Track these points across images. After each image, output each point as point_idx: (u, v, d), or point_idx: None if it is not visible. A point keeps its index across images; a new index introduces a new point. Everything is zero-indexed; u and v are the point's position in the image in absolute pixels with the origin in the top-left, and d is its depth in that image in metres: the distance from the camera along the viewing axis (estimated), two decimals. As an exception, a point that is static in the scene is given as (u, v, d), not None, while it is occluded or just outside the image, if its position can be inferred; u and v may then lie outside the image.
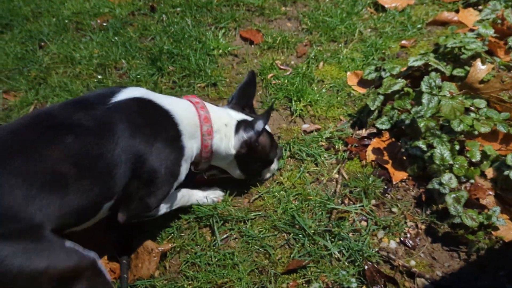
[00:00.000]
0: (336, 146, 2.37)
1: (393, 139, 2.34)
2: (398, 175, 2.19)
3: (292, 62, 2.89)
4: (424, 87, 2.04)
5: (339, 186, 2.17)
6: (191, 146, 1.86)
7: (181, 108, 1.85)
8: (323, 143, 2.39)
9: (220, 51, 2.96)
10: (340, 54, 2.88)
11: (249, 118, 2.06)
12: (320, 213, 2.05)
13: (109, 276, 1.52)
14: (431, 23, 3.03)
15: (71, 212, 1.46)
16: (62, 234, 1.48)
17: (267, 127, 2.15)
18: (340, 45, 2.96)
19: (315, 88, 2.67)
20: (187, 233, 2.06)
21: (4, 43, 3.10)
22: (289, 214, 2.05)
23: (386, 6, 3.17)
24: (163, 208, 1.89)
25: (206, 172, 2.17)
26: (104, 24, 3.25)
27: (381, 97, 2.37)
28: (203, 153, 1.94)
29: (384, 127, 2.32)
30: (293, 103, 2.59)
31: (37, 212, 1.35)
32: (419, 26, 3.00)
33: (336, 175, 2.24)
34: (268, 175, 2.23)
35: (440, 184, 1.95)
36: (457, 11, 3.06)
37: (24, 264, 1.21)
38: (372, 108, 2.36)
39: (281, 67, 2.85)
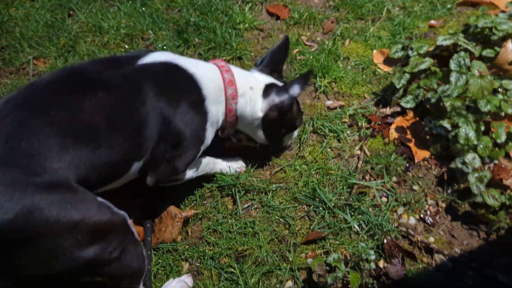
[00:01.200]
0: (359, 123, 2.38)
1: (417, 119, 2.34)
2: (421, 154, 2.19)
3: (318, 39, 2.88)
4: (453, 65, 2.03)
5: (360, 162, 2.19)
6: (216, 111, 1.87)
7: (205, 72, 1.85)
8: (346, 120, 2.40)
9: (246, 25, 2.96)
10: (367, 32, 2.85)
11: (278, 83, 2.05)
12: (341, 187, 2.07)
13: (138, 236, 1.57)
14: (461, 3, 2.97)
15: (102, 166, 1.49)
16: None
17: None
18: (367, 23, 2.94)
19: (340, 65, 2.67)
20: (210, 201, 2.11)
21: (35, 11, 3.15)
22: (310, 187, 2.08)
23: (416, -16, 3.11)
24: (190, 173, 1.93)
25: (233, 138, 2.20)
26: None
27: (407, 76, 2.36)
28: (228, 118, 1.94)
29: (409, 106, 2.31)
30: (318, 79, 2.59)
31: (71, 164, 1.38)
32: (449, 6, 2.95)
33: (358, 152, 2.25)
34: (289, 142, 2.26)
35: (463, 163, 1.95)
36: (489, -8, 2.99)
37: (60, 214, 1.25)
38: (397, 86, 2.35)
39: (307, 43, 2.85)
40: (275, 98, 1.97)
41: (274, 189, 2.11)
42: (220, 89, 1.88)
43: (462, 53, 2.06)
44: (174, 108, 1.69)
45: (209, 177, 2.14)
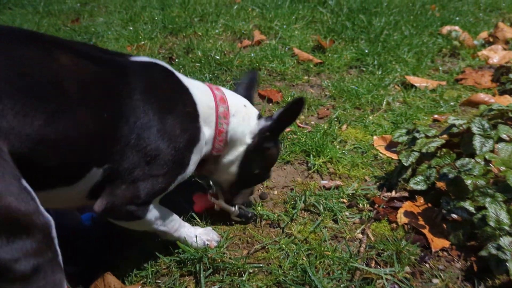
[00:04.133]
0: (360, 205, 1.97)
1: (429, 205, 1.95)
2: (438, 243, 1.75)
3: (313, 122, 2.62)
4: (475, 128, 1.72)
5: (363, 246, 1.73)
6: (205, 133, 1.54)
7: (197, 87, 1.57)
8: (345, 200, 1.99)
9: (235, 103, 2.72)
10: (366, 120, 2.61)
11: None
12: (339, 272, 1.58)
13: (59, 250, 1.05)
14: (465, 103, 2.81)
15: (54, 148, 1.08)
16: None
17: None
18: (365, 112, 2.71)
19: (337, 146, 2.36)
20: (165, 280, 1.58)
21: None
22: (298, 270, 1.58)
23: (416, 84, 2.99)
24: (152, 214, 1.45)
25: (213, 185, 1.85)
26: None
27: (416, 153, 2.03)
28: (216, 143, 1.60)
29: (419, 188, 1.93)
30: (311, 157, 2.25)
31: (8, 131, 0.99)
32: (452, 103, 2.78)
33: (360, 235, 1.80)
34: (242, 199, 1.86)
35: (498, 248, 1.51)
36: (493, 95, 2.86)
37: None
38: (405, 164, 2.01)
39: (300, 125, 2.58)
40: (262, 123, 1.69)
41: (251, 270, 1.61)
42: (210, 107, 1.57)
43: (483, 120, 1.76)
44: (163, 115, 1.35)
45: (167, 246, 1.65)
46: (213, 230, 1.74)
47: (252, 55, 3.29)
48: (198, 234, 1.67)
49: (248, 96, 1.85)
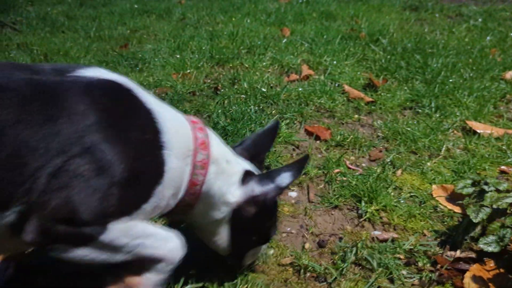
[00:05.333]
0: (420, 263, 1.72)
1: (502, 270, 1.68)
2: (516, 319, 1.47)
3: (364, 165, 2.41)
4: None
5: (425, 315, 1.48)
6: (178, 173, 1.28)
7: (171, 119, 1.31)
8: (402, 257, 1.75)
9: (281, 138, 2.55)
10: (423, 166, 2.37)
11: (257, 172, 1.51)
12: None
13: None
14: (537, 156, 2.52)
15: None
16: None
17: None
18: (422, 158, 2.48)
19: (392, 194, 2.12)
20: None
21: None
22: (349, 338, 1.35)
23: (479, 131, 2.73)
24: (117, 230, 1.15)
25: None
26: (163, 95, 3.01)
27: (487, 209, 1.78)
28: (188, 194, 1.34)
29: (491, 250, 1.67)
30: (363, 204, 2.03)
31: None
32: (521, 154, 2.50)
33: (420, 300, 1.55)
34: (251, 259, 1.61)
35: None
36: None
37: None
38: (475, 221, 1.75)
39: (350, 166, 2.37)
40: (255, 188, 1.41)
41: (293, 332, 1.39)
42: (187, 148, 1.31)
43: None
44: (108, 138, 1.11)
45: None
46: None
47: (300, 89, 3.14)
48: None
49: (262, 148, 1.63)
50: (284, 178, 1.39)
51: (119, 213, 1.14)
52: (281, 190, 1.42)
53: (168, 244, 1.28)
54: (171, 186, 1.26)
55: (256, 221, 1.46)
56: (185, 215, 1.44)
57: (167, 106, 1.36)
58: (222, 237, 1.49)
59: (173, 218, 1.47)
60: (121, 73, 3.22)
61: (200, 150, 1.33)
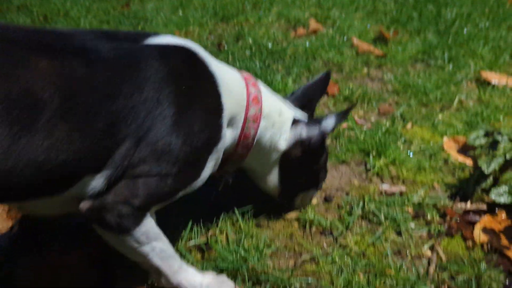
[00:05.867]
0: (429, 216, 1.68)
1: (514, 222, 1.63)
2: (527, 269, 1.44)
3: (372, 119, 2.34)
4: None
5: (433, 266, 1.45)
6: (230, 134, 1.33)
7: (228, 77, 1.33)
8: (410, 210, 1.71)
9: (287, 94, 2.48)
10: (434, 118, 2.30)
11: (306, 119, 1.54)
12: (405, 297, 1.31)
13: None
14: (553, 105, 2.42)
15: (28, 163, 0.93)
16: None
17: None
18: (433, 110, 2.39)
19: (401, 147, 2.06)
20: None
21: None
22: (354, 290, 1.33)
23: (493, 82, 2.62)
24: (145, 227, 1.16)
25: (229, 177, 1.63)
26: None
27: (500, 160, 1.71)
28: (240, 147, 1.39)
29: (503, 201, 1.63)
30: (371, 158, 1.98)
31: None
32: (538, 104, 2.40)
33: (428, 253, 1.52)
34: (302, 204, 1.68)
35: None
36: None
37: None
38: (486, 172, 1.69)
39: (358, 120, 2.30)
40: (302, 132, 1.47)
41: (298, 284, 1.37)
42: (240, 105, 1.34)
43: None
44: (179, 107, 1.14)
45: (197, 252, 1.45)
46: (228, 280, 1.35)
47: (307, 44, 3.03)
48: (206, 285, 1.30)
49: (312, 97, 1.64)
50: (329, 124, 1.47)
51: (170, 195, 1.19)
52: (325, 134, 1.48)
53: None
54: (220, 149, 1.30)
55: (303, 164, 1.53)
56: (236, 166, 1.50)
57: (224, 65, 1.41)
58: (272, 179, 1.56)
59: (225, 170, 1.49)
60: (122, 32, 3.13)
61: (253, 105, 1.38)
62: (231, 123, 1.32)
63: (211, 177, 1.34)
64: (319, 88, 1.65)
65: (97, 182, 1.06)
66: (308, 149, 1.49)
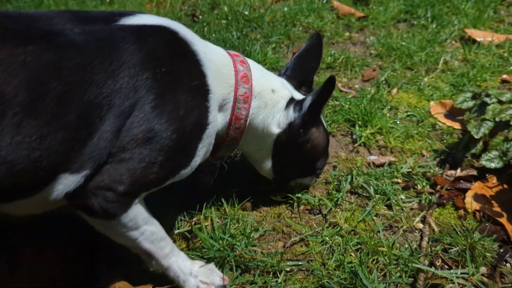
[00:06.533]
0: (419, 186, 1.64)
1: (505, 186, 1.59)
2: (521, 235, 1.41)
3: (357, 86, 2.26)
4: None
5: (425, 240, 1.41)
6: (219, 116, 1.26)
7: (213, 55, 1.25)
8: (399, 180, 1.66)
9: (267, 65, 2.37)
10: (420, 82, 2.22)
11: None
12: (398, 274, 1.27)
13: None
14: (539, 60, 2.36)
15: None
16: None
17: (324, 123, 1.51)
18: (418, 73, 2.32)
19: (388, 115, 2.00)
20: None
21: None
22: (346, 270, 1.28)
23: (478, 39, 2.55)
24: (133, 212, 1.10)
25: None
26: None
27: (489, 123, 1.66)
28: (232, 129, 1.31)
29: (494, 166, 1.58)
30: (357, 128, 1.91)
31: None
32: (524, 61, 2.34)
33: (420, 225, 1.48)
34: (299, 187, 1.60)
35: None
36: None
37: None
38: (476, 136, 1.64)
39: (343, 89, 2.22)
40: (291, 113, 1.38)
41: (289, 268, 1.33)
42: (229, 84, 1.27)
43: None
44: (161, 90, 1.06)
45: (183, 241, 1.39)
46: (217, 270, 1.29)
47: (285, 9, 2.91)
48: (195, 273, 1.25)
49: (308, 69, 1.54)
50: (306, 104, 1.36)
51: (161, 182, 1.13)
52: (304, 116, 1.37)
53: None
54: (211, 134, 1.22)
55: (290, 148, 1.43)
56: (232, 150, 1.45)
57: (208, 43, 1.33)
58: (267, 164, 1.48)
59: (221, 155, 1.44)
60: (89, 7, 2.97)
61: (242, 83, 1.30)
62: (221, 105, 1.25)
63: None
64: (313, 55, 1.54)
65: (75, 178, 0.98)
66: (291, 133, 1.39)
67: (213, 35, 2.57)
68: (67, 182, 0.98)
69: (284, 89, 1.41)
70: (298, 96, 1.44)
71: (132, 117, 1.02)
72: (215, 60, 1.25)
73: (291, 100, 1.40)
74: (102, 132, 0.98)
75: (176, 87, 1.10)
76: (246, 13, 2.85)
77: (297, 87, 1.50)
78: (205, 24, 2.75)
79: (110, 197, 1.03)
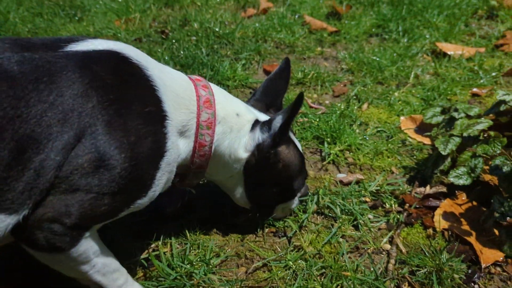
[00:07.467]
0: (387, 205, 1.59)
1: (474, 203, 1.56)
2: (489, 255, 1.37)
3: (327, 102, 2.22)
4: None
5: (392, 262, 1.35)
6: (181, 143, 1.19)
7: (171, 80, 1.19)
8: (368, 199, 1.62)
9: (236, 82, 2.33)
10: (391, 97, 2.20)
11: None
12: (363, 301, 1.22)
13: None
14: (509, 73, 2.36)
15: None
16: None
17: (295, 141, 1.44)
18: (389, 88, 2.30)
19: (357, 131, 1.96)
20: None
21: None
22: (309, 298, 1.22)
23: (449, 53, 2.54)
24: (84, 246, 1.03)
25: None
26: (104, 45, 2.73)
27: (457, 139, 1.63)
28: (196, 157, 1.24)
29: (462, 182, 1.54)
30: (326, 145, 1.87)
31: None
32: (493, 74, 2.33)
33: (387, 246, 1.43)
34: (282, 213, 1.52)
35: None
36: (542, 63, 2.40)
37: None
38: (443, 153, 1.61)
39: (312, 105, 2.18)
40: (259, 135, 1.32)
41: (249, 297, 1.26)
42: (190, 110, 1.20)
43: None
44: (107, 120, 0.99)
45: (134, 267, 1.31)
46: None
47: (257, 25, 2.88)
48: None
49: (276, 93, 1.51)
50: (276, 123, 1.30)
51: (113, 214, 1.06)
52: (276, 137, 1.30)
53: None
54: (172, 162, 1.15)
55: (266, 172, 1.36)
56: (200, 178, 1.37)
57: (166, 68, 1.27)
58: (239, 191, 1.42)
59: (188, 183, 1.35)
60: (57, 25, 2.91)
61: (205, 109, 1.24)
62: (181, 131, 1.18)
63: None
64: (281, 79, 1.50)
65: (14, 217, 0.91)
66: (263, 155, 1.32)
67: (182, 52, 2.52)
68: (5, 222, 0.91)
69: (248, 113, 1.35)
70: (264, 118, 1.39)
71: (77, 148, 0.95)
72: (173, 85, 1.19)
73: (256, 122, 1.34)
74: (40, 167, 0.91)
75: (126, 114, 1.03)
76: (217, 29, 2.81)
77: (266, 110, 1.46)
78: (174, 41, 2.70)
79: (57, 230, 0.96)
